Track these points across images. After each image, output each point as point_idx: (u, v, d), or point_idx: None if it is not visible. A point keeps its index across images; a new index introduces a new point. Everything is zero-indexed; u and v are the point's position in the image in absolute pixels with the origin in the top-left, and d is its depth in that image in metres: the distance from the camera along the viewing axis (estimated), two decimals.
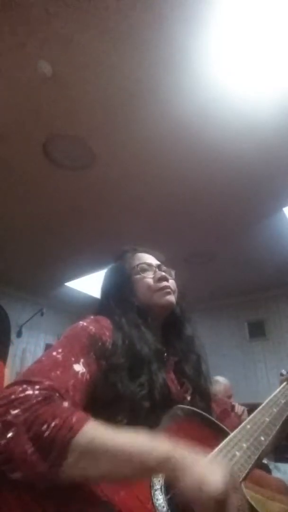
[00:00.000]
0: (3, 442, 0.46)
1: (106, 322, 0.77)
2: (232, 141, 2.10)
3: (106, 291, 0.94)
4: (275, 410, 0.78)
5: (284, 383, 0.94)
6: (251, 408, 0.74)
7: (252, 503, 0.53)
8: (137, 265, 0.91)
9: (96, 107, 1.89)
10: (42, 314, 4.41)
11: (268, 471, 2.33)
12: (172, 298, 0.86)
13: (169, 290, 0.87)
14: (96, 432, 0.49)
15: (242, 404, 1.94)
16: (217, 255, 3.49)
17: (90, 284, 4.05)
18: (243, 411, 1.88)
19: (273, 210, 2.75)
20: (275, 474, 2.49)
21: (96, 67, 1.67)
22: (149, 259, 0.94)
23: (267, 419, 0.73)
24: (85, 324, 0.73)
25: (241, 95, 1.79)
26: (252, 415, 0.73)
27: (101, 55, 1.61)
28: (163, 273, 0.89)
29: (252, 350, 4.23)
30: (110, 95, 1.81)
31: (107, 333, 0.73)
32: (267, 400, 0.82)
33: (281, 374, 1.01)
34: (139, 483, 0.52)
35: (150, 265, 0.92)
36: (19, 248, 3.49)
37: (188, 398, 0.76)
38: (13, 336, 4.43)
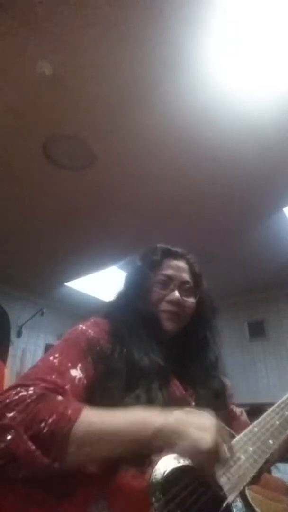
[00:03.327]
0: (3, 445, 0.47)
1: (105, 325, 0.74)
2: (233, 141, 2.10)
3: (122, 290, 0.88)
4: (286, 413, 0.73)
5: None
6: (251, 408, 0.71)
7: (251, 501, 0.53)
8: (157, 274, 0.84)
9: (96, 107, 1.89)
10: (42, 314, 4.41)
11: (268, 471, 2.32)
12: (172, 326, 0.79)
13: (173, 317, 0.80)
14: (92, 418, 0.51)
15: (242, 405, 1.94)
16: (217, 255, 3.49)
17: (90, 284, 4.05)
18: (241, 412, 1.87)
19: (273, 210, 2.75)
20: (275, 474, 2.49)
21: (96, 67, 1.67)
22: (177, 270, 0.85)
23: (277, 422, 0.69)
24: (84, 327, 0.71)
25: (241, 95, 1.79)
26: (261, 417, 0.70)
27: (101, 55, 1.61)
28: (177, 296, 0.80)
29: (252, 350, 4.22)
30: (110, 95, 1.81)
31: (106, 337, 0.71)
32: (278, 402, 0.77)
33: None
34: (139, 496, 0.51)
35: (172, 279, 0.83)
36: (19, 248, 3.49)
37: (193, 403, 0.73)
38: (13, 336, 4.42)
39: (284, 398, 0.79)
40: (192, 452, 0.50)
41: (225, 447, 0.51)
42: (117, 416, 0.52)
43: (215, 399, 0.77)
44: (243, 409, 1.87)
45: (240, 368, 4.11)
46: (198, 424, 0.51)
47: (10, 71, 1.69)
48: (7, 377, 1.75)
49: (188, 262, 0.90)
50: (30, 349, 4.49)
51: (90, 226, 3.01)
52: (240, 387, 3.69)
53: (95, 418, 0.51)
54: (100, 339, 0.69)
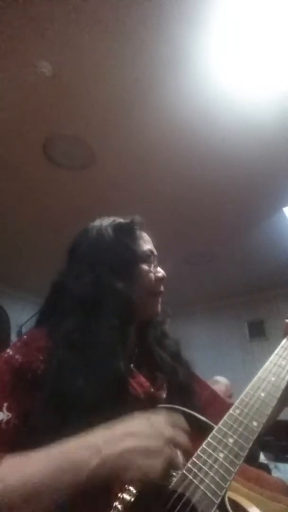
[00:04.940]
0: None
1: (41, 340, 0.60)
2: (232, 141, 2.10)
3: (96, 274, 0.65)
4: (272, 378, 0.62)
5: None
6: None
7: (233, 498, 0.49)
8: (144, 251, 0.70)
9: (96, 107, 1.89)
10: None
11: (268, 471, 2.33)
12: (160, 307, 0.70)
13: (160, 297, 0.71)
14: (7, 476, 0.42)
15: None
16: (217, 255, 3.49)
17: None
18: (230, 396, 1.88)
19: (273, 210, 2.75)
20: (275, 474, 2.49)
21: (96, 67, 1.67)
22: (151, 244, 0.75)
23: (263, 394, 0.59)
24: (11, 353, 0.59)
25: (242, 95, 1.79)
26: (244, 393, 0.60)
27: (101, 55, 1.61)
28: (164, 273, 0.71)
29: (252, 350, 4.22)
30: (110, 95, 1.81)
31: (41, 357, 0.57)
32: (264, 367, 0.66)
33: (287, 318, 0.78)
34: None
35: (154, 254, 0.72)
36: (19, 248, 3.49)
37: (164, 395, 0.66)
38: (13, 336, 4.43)
39: (269, 359, 0.69)
40: (142, 480, 0.43)
41: (180, 457, 0.44)
42: (37, 465, 0.43)
43: (175, 361, 0.70)
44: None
45: (240, 368, 4.11)
46: (144, 446, 0.43)
47: (10, 71, 1.68)
48: None
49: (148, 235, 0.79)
50: None
51: None
52: (240, 387, 3.69)
53: (10, 477, 0.42)
54: (33, 362, 0.57)
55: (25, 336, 0.64)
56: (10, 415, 0.53)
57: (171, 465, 0.43)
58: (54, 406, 0.52)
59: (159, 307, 0.70)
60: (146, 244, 0.73)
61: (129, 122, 1.99)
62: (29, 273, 4.09)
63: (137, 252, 0.69)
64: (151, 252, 0.72)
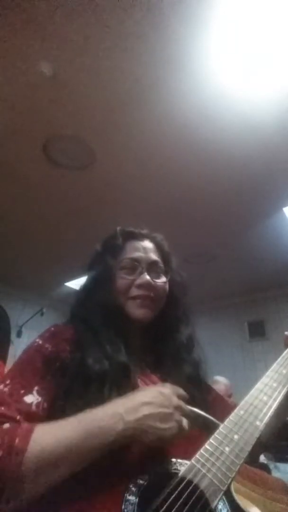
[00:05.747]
0: None
1: (67, 333, 0.67)
2: (232, 141, 2.10)
3: (84, 283, 0.82)
4: (274, 384, 0.67)
5: None
6: None
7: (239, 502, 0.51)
8: (122, 260, 0.76)
9: (96, 107, 1.89)
10: (42, 314, 4.41)
11: (268, 471, 2.33)
12: (146, 312, 0.73)
13: (146, 302, 0.73)
14: (43, 441, 0.47)
15: None
16: (217, 255, 3.49)
17: None
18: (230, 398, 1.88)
19: (273, 210, 2.75)
20: (275, 474, 2.49)
21: (97, 67, 1.67)
22: (143, 251, 0.78)
23: (265, 398, 0.63)
24: (40, 342, 0.64)
25: (242, 95, 1.79)
26: (248, 395, 0.64)
27: (102, 55, 1.61)
28: (147, 278, 0.73)
29: (252, 350, 4.22)
30: (110, 95, 1.82)
31: (68, 348, 0.64)
32: (266, 374, 0.71)
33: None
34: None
35: (138, 261, 0.76)
36: (20, 248, 3.50)
37: None
38: (13, 336, 4.43)
39: (272, 366, 0.73)
40: (159, 442, 0.51)
41: (185, 422, 0.53)
42: (69, 430, 0.48)
43: (191, 384, 0.72)
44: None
45: (240, 368, 4.11)
46: (158, 412, 0.51)
47: (11, 71, 1.69)
48: None
49: (154, 241, 0.84)
50: None
51: (90, 225, 3.01)
52: (240, 387, 3.69)
53: (46, 440, 0.47)
54: (60, 352, 0.62)
55: (52, 328, 0.69)
56: (40, 398, 0.57)
57: (180, 429, 0.52)
58: (78, 387, 0.58)
59: (140, 311, 0.73)
60: (131, 253, 0.78)
61: (129, 122, 1.99)
62: (29, 273, 4.09)
63: (110, 262, 0.76)
64: (136, 260, 0.76)
